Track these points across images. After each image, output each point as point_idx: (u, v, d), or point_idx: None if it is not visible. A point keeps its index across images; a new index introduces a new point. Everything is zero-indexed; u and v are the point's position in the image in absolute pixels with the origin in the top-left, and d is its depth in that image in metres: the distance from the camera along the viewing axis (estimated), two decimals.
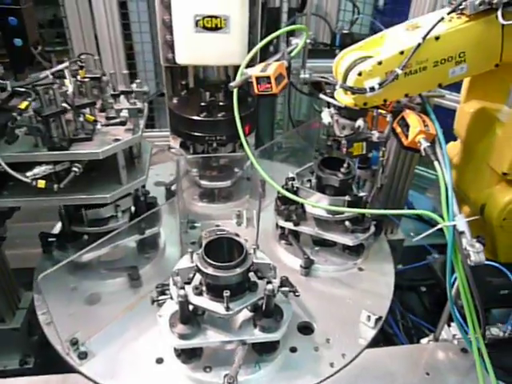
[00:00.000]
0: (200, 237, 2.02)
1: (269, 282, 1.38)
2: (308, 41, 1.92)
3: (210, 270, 1.33)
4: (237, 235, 1.51)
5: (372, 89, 1.42)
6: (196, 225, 2.09)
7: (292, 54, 1.74)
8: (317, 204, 1.79)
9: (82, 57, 1.71)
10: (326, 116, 1.68)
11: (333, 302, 1.71)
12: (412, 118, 1.52)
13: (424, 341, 1.60)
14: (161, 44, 2.09)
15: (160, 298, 1.43)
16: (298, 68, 2.22)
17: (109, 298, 1.69)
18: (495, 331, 1.59)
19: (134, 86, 1.69)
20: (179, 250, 1.85)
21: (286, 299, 1.48)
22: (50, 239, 1.81)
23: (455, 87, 2.02)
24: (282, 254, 1.92)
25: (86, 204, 1.61)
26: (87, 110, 1.58)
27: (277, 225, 1.99)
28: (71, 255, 1.52)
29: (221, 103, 2.11)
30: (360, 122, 1.61)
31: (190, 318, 1.38)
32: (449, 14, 1.44)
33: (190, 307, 1.38)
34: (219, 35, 1.83)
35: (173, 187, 2.15)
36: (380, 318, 1.60)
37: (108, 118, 1.62)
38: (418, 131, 1.47)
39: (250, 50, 1.94)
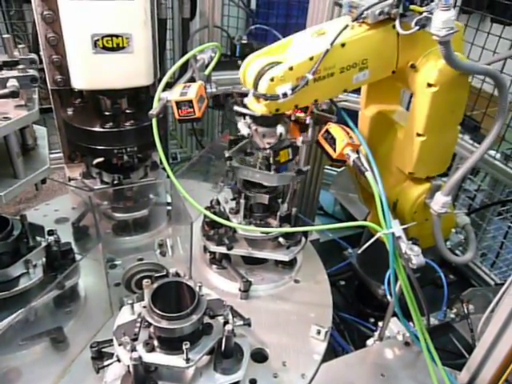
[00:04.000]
0: (124, 276, 1.86)
1: (226, 322, 1.30)
2: (212, 54, 1.84)
3: (163, 324, 1.20)
4: (177, 274, 1.40)
5: (285, 95, 1.41)
6: (116, 263, 1.89)
7: (206, 73, 1.65)
8: (257, 228, 1.75)
9: None
10: (244, 127, 1.62)
11: (278, 321, 1.68)
12: (336, 130, 1.55)
13: (370, 342, 1.66)
14: (46, 64, 1.83)
15: (106, 363, 1.26)
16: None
17: (32, 372, 1.43)
18: (431, 320, 1.71)
19: (16, 53, 1.37)
20: (105, 297, 1.65)
21: (240, 332, 1.41)
22: None
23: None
24: (216, 279, 1.83)
25: None
26: None
27: (205, 249, 1.90)
28: None
29: (127, 111, 1.91)
30: (281, 129, 1.58)
31: (145, 378, 1.24)
32: (353, 21, 1.50)
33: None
34: (122, 55, 1.65)
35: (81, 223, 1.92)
36: (329, 329, 1.62)
37: None
38: (345, 144, 1.50)
39: (155, 68, 1.81)
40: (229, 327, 1.26)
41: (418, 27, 1.42)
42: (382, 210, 1.41)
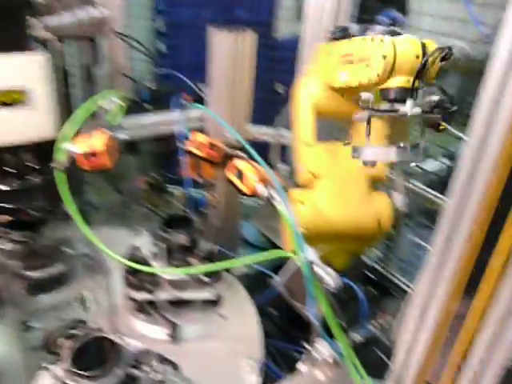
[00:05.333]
0: (43, 340, 1.74)
1: (154, 371, 1.28)
2: (119, 101, 1.84)
3: None
4: (99, 329, 1.36)
5: None
6: (34, 325, 1.77)
7: (115, 121, 1.66)
8: (181, 270, 1.74)
9: None
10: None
11: (210, 361, 1.67)
12: (245, 166, 1.62)
13: (299, 366, 1.70)
14: None
15: None
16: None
17: None
18: (355, 337, 1.79)
19: None
20: (21, 365, 1.54)
21: (172, 379, 1.38)
22: None
23: None
24: (142, 327, 1.79)
25: None
26: None
27: (128, 297, 1.85)
28: None
29: (33, 166, 1.81)
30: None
31: None
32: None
33: None
34: (21, 110, 1.60)
35: None
36: (260, 361, 1.64)
37: None
38: (254, 180, 1.57)
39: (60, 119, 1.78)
40: (157, 376, 1.24)
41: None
42: (296, 238, 1.48)
